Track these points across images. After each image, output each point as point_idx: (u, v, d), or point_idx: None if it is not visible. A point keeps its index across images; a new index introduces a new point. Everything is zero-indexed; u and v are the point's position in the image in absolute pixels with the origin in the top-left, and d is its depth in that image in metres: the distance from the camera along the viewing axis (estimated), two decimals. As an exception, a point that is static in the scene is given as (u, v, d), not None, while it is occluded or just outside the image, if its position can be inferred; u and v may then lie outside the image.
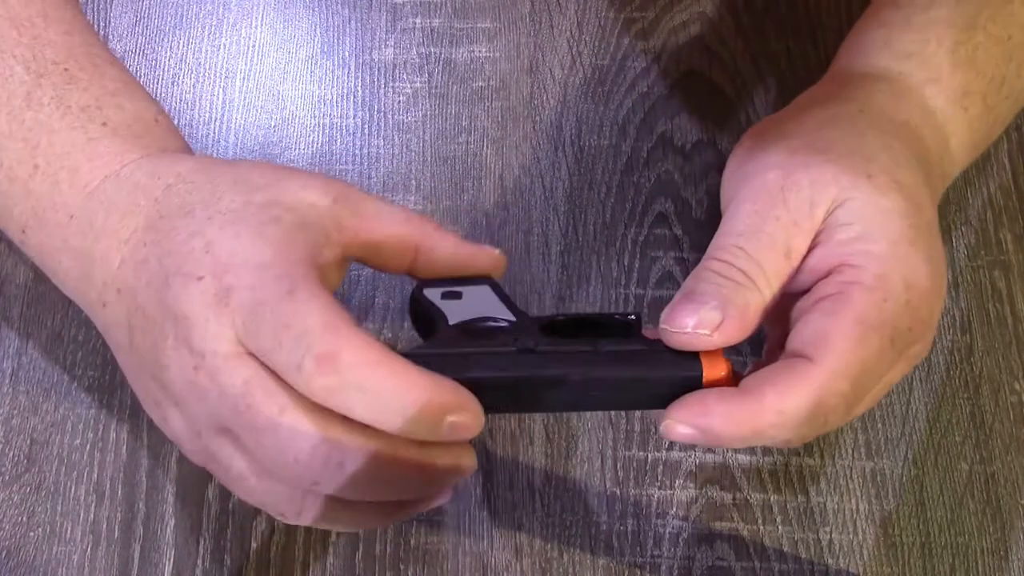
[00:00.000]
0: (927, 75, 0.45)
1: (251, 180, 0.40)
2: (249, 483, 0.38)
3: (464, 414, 0.36)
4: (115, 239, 0.40)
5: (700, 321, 0.38)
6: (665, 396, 0.38)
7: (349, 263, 0.41)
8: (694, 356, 0.38)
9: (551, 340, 0.39)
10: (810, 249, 0.40)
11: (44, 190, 0.42)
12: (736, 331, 0.38)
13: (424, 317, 0.41)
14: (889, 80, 0.46)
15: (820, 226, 0.40)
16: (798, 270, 0.40)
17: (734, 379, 0.38)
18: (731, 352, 0.41)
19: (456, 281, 0.41)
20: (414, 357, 0.36)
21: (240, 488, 0.39)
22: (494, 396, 0.37)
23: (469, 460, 0.38)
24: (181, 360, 0.37)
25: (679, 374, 0.38)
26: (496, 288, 0.41)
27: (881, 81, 0.46)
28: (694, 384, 0.38)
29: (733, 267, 0.39)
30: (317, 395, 0.35)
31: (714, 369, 0.38)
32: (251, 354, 0.36)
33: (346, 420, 0.36)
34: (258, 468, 0.37)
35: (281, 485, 0.38)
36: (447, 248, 0.41)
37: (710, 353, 0.38)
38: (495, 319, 0.40)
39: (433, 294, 0.41)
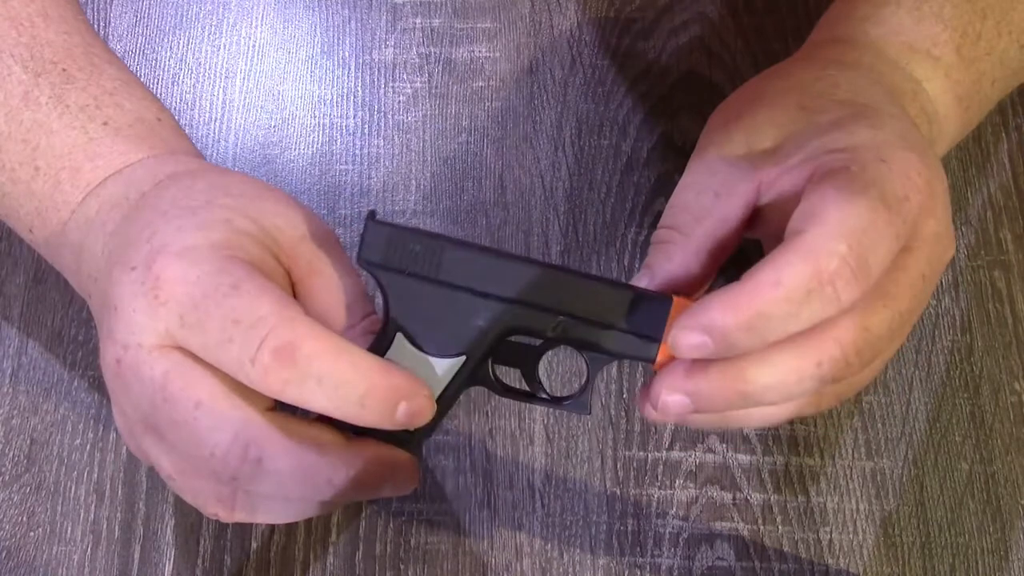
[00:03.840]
0: (886, 30, 0.45)
1: (230, 187, 0.39)
2: (176, 483, 0.38)
3: (417, 399, 0.36)
4: (102, 231, 0.40)
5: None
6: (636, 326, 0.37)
7: None
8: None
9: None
10: (776, 180, 0.39)
11: (46, 191, 0.42)
12: (666, 276, 0.39)
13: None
14: (844, 41, 0.46)
15: (769, 161, 0.39)
16: (768, 200, 0.39)
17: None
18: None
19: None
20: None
21: (172, 487, 0.38)
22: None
23: (401, 455, 0.39)
24: (109, 348, 0.36)
25: (653, 295, 0.37)
26: None
27: (837, 43, 0.46)
28: (666, 306, 0.37)
29: (661, 228, 0.40)
30: (272, 388, 0.34)
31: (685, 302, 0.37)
32: (177, 347, 0.35)
33: (264, 413, 0.36)
34: (182, 465, 0.37)
35: (206, 482, 0.37)
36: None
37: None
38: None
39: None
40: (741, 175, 0.39)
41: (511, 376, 0.41)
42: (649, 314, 0.37)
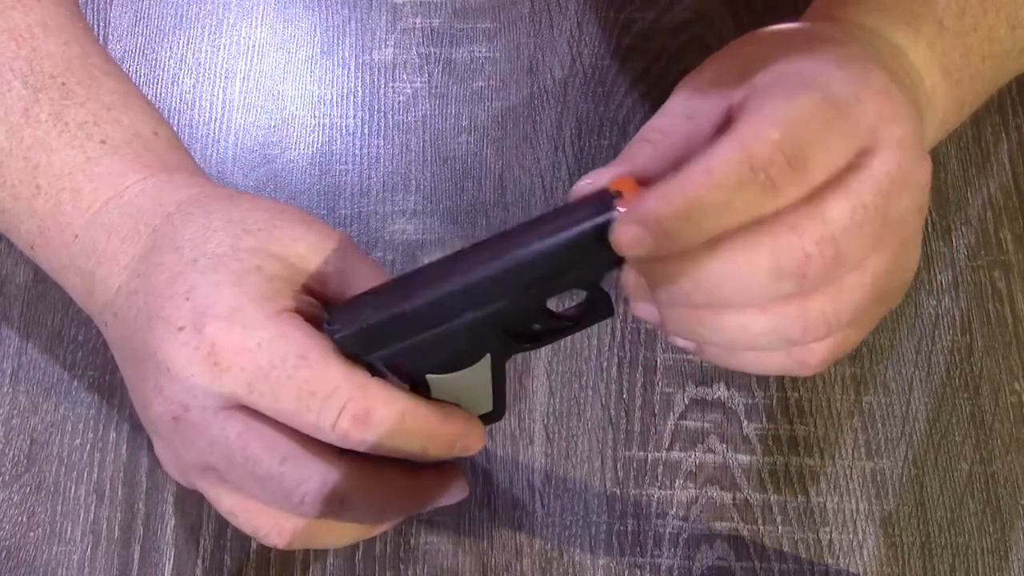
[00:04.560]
0: (870, 6, 0.45)
1: (245, 221, 0.40)
2: (239, 519, 0.40)
3: (471, 438, 0.40)
4: (115, 264, 0.41)
5: (586, 178, 0.37)
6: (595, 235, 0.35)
7: None
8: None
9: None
10: (741, 102, 0.37)
11: (48, 210, 0.42)
12: (618, 171, 0.37)
13: None
14: (825, 18, 0.45)
15: (736, 85, 0.38)
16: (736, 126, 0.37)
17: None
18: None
19: None
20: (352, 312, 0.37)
21: (232, 521, 0.41)
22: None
23: (460, 482, 0.43)
24: (163, 405, 0.38)
25: (595, 202, 0.35)
26: None
27: (820, 21, 0.45)
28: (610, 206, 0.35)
29: (631, 143, 0.39)
30: (348, 445, 0.37)
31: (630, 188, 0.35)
32: (242, 407, 0.37)
33: (339, 457, 0.38)
34: (248, 505, 0.40)
35: (272, 518, 0.40)
36: None
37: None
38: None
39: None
40: (712, 100, 0.38)
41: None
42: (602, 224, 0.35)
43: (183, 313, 0.37)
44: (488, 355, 0.39)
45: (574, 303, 0.40)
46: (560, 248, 0.35)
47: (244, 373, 0.36)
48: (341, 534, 0.42)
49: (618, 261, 0.36)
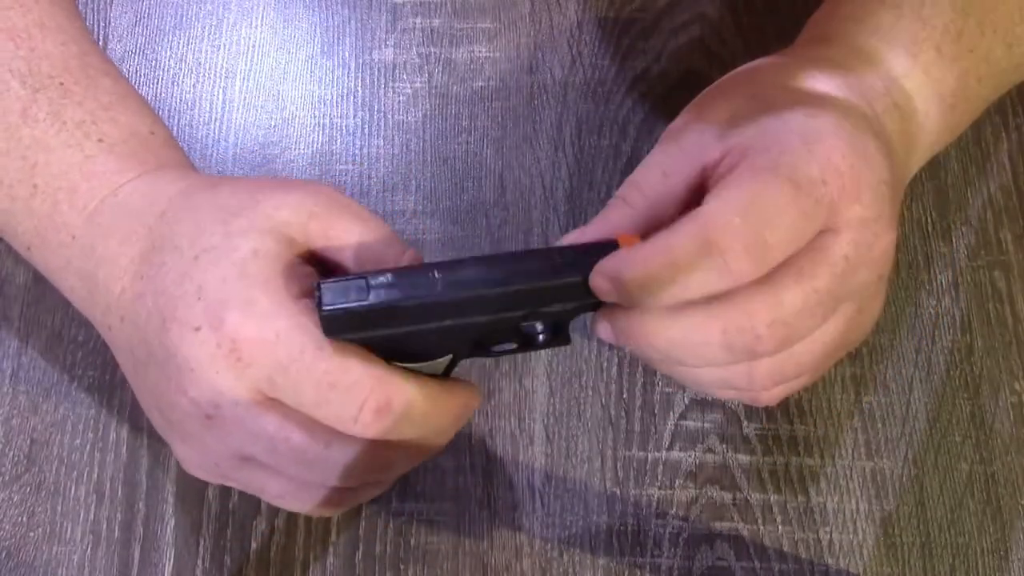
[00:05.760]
0: (866, 28, 0.45)
1: (228, 206, 0.40)
2: (285, 500, 0.41)
3: (476, 404, 0.42)
4: (115, 266, 0.41)
5: (567, 238, 0.40)
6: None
7: None
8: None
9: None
10: (717, 162, 0.39)
11: (45, 210, 0.42)
12: (597, 232, 0.39)
13: None
14: (823, 40, 0.46)
15: (713, 144, 0.39)
16: (712, 182, 0.39)
17: None
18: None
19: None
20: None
21: (278, 504, 0.42)
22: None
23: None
24: (191, 406, 0.38)
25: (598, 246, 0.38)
26: None
27: (816, 42, 0.46)
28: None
29: (612, 199, 0.41)
30: (370, 434, 0.38)
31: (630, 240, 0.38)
32: (272, 398, 0.38)
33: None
34: (292, 486, 0.41)
35: (319, 491, 0.41)
36: None
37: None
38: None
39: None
40: (688, 159, 0.40)
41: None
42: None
43: (197, 313, 0.37)
44: (450, 355, 0.40)
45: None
46: (559, 286, 0.37)
47: (265, 368, 0.37)
48: (385, 485, 0.44)
49: (595, 305, 0.39)
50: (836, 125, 0.38)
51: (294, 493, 0.41)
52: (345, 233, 0.40)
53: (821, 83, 0.41)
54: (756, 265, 0.35)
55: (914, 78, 0.45)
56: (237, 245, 0.38)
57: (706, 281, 0.35)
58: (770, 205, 0.35)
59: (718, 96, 0.42)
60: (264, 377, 0.37)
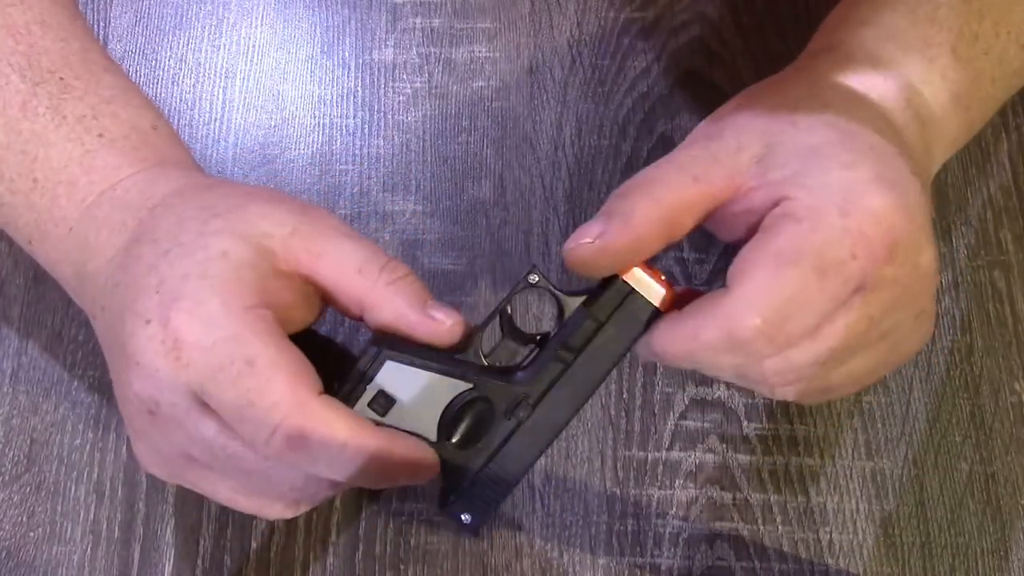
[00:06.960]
0: (881, 34, 0.45)
1: (216, 206, 0.40)
2: (240, 503, 0.41)
3: (420, 469, 0.40)
4: (102, 257, 0.41)
5: (581, 233, 0.39)
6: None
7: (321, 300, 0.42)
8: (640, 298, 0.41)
9: (520, 380, 0.41)
10: (751, 191, 0.40)
11: (44, 204, 0.42)
12: (619, 234, 0.39)
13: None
14: (839, 49, 0.46)
15: (751, 168, 0.40)
16: (739, 208, 0.40)
17: (676, 293, 0.41)
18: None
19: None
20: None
21: (232, 506, 0.41)
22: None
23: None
24: (136, 399, 0.38)
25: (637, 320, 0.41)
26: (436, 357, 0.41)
27: (832, 52, 0.46)
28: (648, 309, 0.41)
29: (626, 185, 0.41)
30: (283, 460, 0.37)
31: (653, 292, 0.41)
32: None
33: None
34: (243, 491, 0.40)
35: (273, 499, 0.40)
36: (388, 315, 0.40)
37: (646, 281, 0.41)
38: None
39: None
40: (723, 171, 0.40)
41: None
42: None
43: (151, 306, 0.37)
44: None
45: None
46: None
47: (198, 372, 0.36)
48: (342, 488, 0.42)
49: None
50: (878, 176, 0.39)
51: (245, 497, 0.40)
52: (328, 252, 0.40)
53: (853, 114, 0.41)
54: (778, 348, 0.38)
55: (932, 84, 0.45)
56: (207, 244, 0.38)
57: (731, 362, 0.38)
58: (793, 300, 0.37)
59: (751, 114, 0.42)
60: (198, 381, 0.36)
